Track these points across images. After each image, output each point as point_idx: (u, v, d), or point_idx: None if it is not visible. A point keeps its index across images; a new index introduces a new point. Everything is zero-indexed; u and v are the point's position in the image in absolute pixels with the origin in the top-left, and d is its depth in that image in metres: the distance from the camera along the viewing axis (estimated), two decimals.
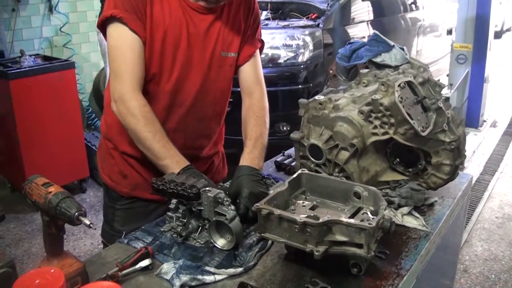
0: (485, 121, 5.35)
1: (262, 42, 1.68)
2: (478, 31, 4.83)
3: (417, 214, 1.44)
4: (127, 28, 1.40)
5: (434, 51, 5.88)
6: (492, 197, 3.89)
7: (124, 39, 1.42)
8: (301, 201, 1.29)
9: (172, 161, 1.40)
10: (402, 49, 1.78)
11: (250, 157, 1.48)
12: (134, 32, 1.40)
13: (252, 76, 1.63)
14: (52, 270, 0.88)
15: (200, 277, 1.13)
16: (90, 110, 5.03)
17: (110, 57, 1.45)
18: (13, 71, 3.39)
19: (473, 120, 5.10)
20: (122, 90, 1.42)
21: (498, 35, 9.66)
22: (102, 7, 4.24)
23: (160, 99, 1.51)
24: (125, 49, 1.42)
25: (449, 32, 6.01)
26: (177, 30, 1.45)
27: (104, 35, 1.47)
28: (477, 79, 5.00)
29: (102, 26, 1.46)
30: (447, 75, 5.20)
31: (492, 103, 5.73)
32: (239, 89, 1.65)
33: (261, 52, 1.68)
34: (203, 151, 1.67)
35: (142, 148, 1.44)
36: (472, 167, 4.28)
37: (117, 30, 1.42)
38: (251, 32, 1.61)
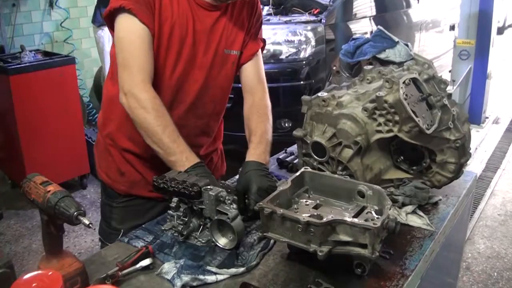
0: (487, 117, 5.33)
1: (264, 42, 1.67)
2: (481, 27, 4.81)
3: (421, 213, 1.42)
4: (136, 20, 1.36)
5: (436, 47, 5.85)
6: (495, 194, 3.88)
7: (133, 31, 1.38)
8: (304, 200, 1.27)
9: (182, 157, 1.35)
10: (407, 45, 1.76)
11: (256, 152, 1.46)
12: (144, 24, 1.37)
13: (255, 75, 1.62)
14: (50, 273, 0.86)
15: (201, 277, 1.12)
16: (90, 106, 5.02)
17: (118, 48, 1.41)
18: (13, 67, 3.37)
19: (475, 116, 5.08)
20: (132, 82, 1.37)
21: (500, 31, 9.62)
22: (98, 3, 4.24)
23: (162, 95, 1.48)
24: (134, 41, 1.38)
25: (452, 28, 5.99)
26: (183, 26, 1.43)
27: (110, 26, 1.43)
28: (479, 75, 4.98)
29: (110, 17, 1.41)
30: (450, 71, 5.17)
31: (495, 99, 5.71)
32: (239, 85, 1.64)
33: (262, 51, 1.67)
34: (202, 149, 1.65)
35: (151, 143, 1.38)
36: (475, 164, 4.26)
37: (126, 22, 1.38)
38: (254, 31, 1.60)
